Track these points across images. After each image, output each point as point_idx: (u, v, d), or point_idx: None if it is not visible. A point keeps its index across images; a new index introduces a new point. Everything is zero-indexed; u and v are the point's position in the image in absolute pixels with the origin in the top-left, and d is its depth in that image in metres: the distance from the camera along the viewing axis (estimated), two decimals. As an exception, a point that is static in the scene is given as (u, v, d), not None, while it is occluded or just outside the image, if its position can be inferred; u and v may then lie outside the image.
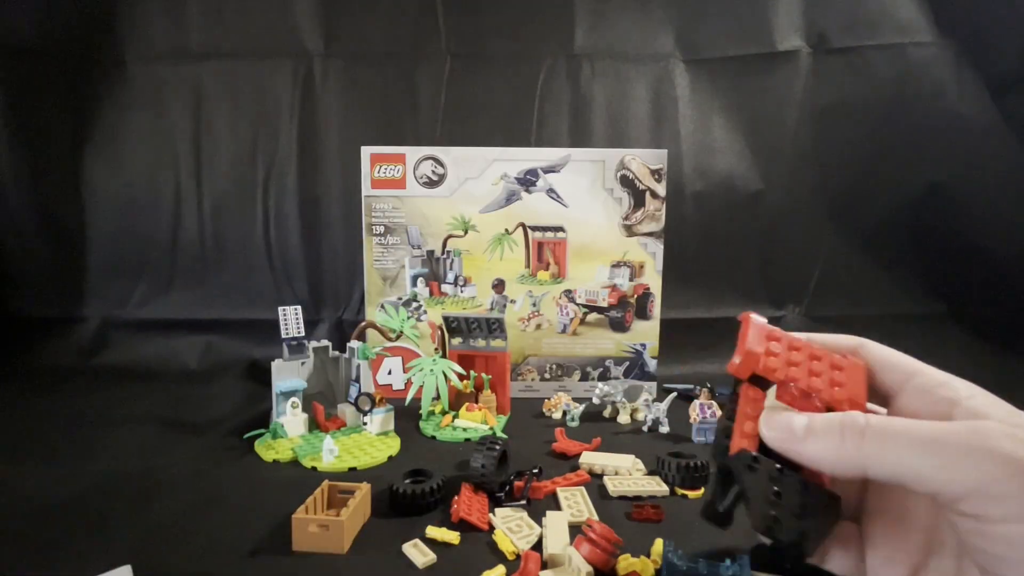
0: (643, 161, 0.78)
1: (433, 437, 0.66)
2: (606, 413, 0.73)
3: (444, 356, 0.73)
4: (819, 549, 0.30)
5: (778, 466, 0.29)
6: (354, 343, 0.68)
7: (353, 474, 0.56)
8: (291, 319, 0.67)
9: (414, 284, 0.80)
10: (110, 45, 0.94)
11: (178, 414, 0.72)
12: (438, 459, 0.58)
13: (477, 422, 0.68)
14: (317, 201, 0.98)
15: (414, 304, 0.79)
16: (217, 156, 0.97)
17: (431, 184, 0.78)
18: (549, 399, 0.76)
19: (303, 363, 0.67)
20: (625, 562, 0.39)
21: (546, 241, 0.79)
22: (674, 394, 0.71)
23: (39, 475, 0.54)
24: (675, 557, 0.37)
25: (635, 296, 0.80)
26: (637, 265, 0.79)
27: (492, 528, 0.44)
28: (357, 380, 0.67)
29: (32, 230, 0.95)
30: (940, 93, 0.94)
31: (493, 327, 0.72)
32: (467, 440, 0.65)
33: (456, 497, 0.47)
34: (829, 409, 0.30)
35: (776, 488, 0.28)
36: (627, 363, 0.82)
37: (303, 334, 0.68)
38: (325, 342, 0.70)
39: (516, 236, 0.79)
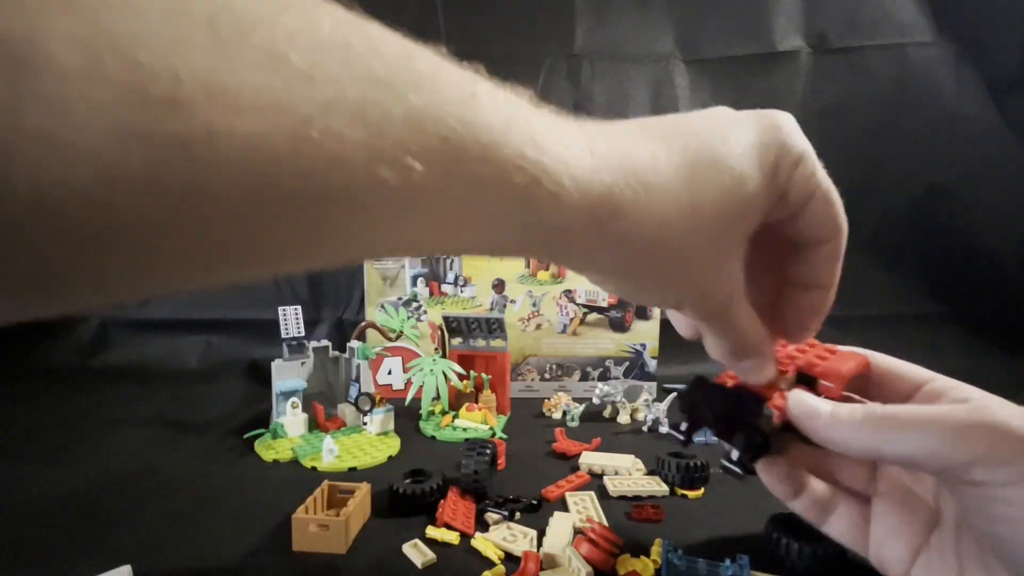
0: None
1: (433, 437, 0.66)
2: (606, 413, 0.73)
3: (444, 356, 0.73)
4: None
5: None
6: (354, 343, 0.68)
7: (353, 474, 0.56)
8: (291, 319, 0.67)
9: (414, 284, 0.80)
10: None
11: (178, 414, 0.72)
12: (438, 459, 0.58)
13: (477, 422, 0.68)
14: (317, 201, 0.97)
15: (414, 304, 0.79)
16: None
17: (431, 184, 0.78)
18: (549, 399, 0.76)
19: (303, 363, 0.67)
20: (625, 562, 0.39)
21: (546, 241, 0.79)
22: (674, 394, 0.71)
23: (39, 475, 0.54)
24: (675, 557, 0.37)
25: (635, 296, 0.80)
26: (637, 265, 0.79)
27: (474, 533, 0.44)
28: (357, 380, 0.67)
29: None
30: (940, 93, 0.94)
31: (493, 327, 0.72)
32: (467, 440, 0.65)
33: (442, 501, 0.47)
34: (802, 375, 0.32)
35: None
36: (627, 363, 0.82)
37: (303, 334, 0.68)
38: (325, 342, 0.70)
39: (516, 236, 0.79)
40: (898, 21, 0.94)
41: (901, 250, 0.99)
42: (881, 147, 0.97)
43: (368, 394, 0.65)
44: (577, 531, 0.43)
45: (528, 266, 0.80)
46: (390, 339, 0.73)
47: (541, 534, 0.43)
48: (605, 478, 0.53)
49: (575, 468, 0.56)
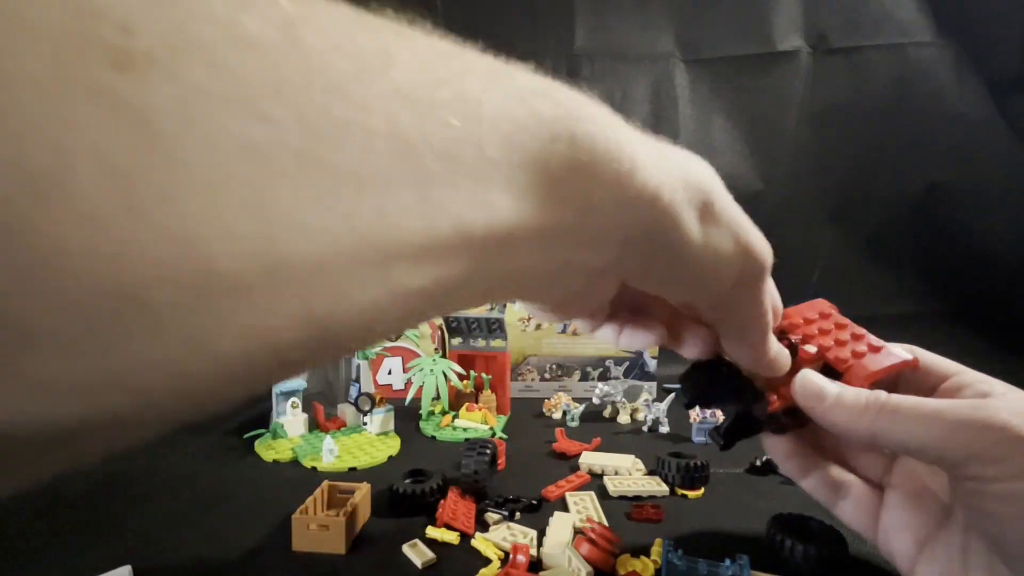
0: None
1: (433, 437, 0.66)
2: (606, 413, 0.73)
3: (444, 356, 0.73)
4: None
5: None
6: (354, 343, 0.68)
7: (353, 474, 0.56)
8: (291, 319, 0.67)
9: (414, 284, 0.80)
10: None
11: (178, 414, 0.72)
12: (438, 459, 0.58)
13: (477, 422, 0.68)
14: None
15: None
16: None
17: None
18: (549, 399, 0.76)
19: (303, 363, 0.67)
20: (625, 562, 0.39)
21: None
22: (674, 394, 0.71)
23: (39, 475, 0.54)
24: (675, 557, 0.37)
25: (635, 296, 0.80)
26: (637, 265, 0.79)
27: (474, 533, 0.44)
28: (357, 380, 0.67)
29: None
30: (940, 93, 0.94)
31: (493, 327, 0.72)
32: (467, 440, 0.65)
33: (442, 501, 0.47)
34: (825, 364, 0.32)
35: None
36: (627, 363, 0.82)
37: (303, 334, 0.67)
38: (325, 342, 0.70)
39: (516, 236, 0.79)
40: (898, 21, 0.94)
41: (901, 250, 0.99)
42: (881, 147, 0.97)
43: (368, 394, 0.65)
44: (577, 531, 0.43)
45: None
46: (390, 339, 0.73)
47: (541, 534, 0.43)
48: (605, 478, 0.53)
49: (575, 468, 0.56)
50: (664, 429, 0.68)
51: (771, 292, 0.28)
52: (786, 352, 0.30)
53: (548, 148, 0.16)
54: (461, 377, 0.71)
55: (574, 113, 0.17)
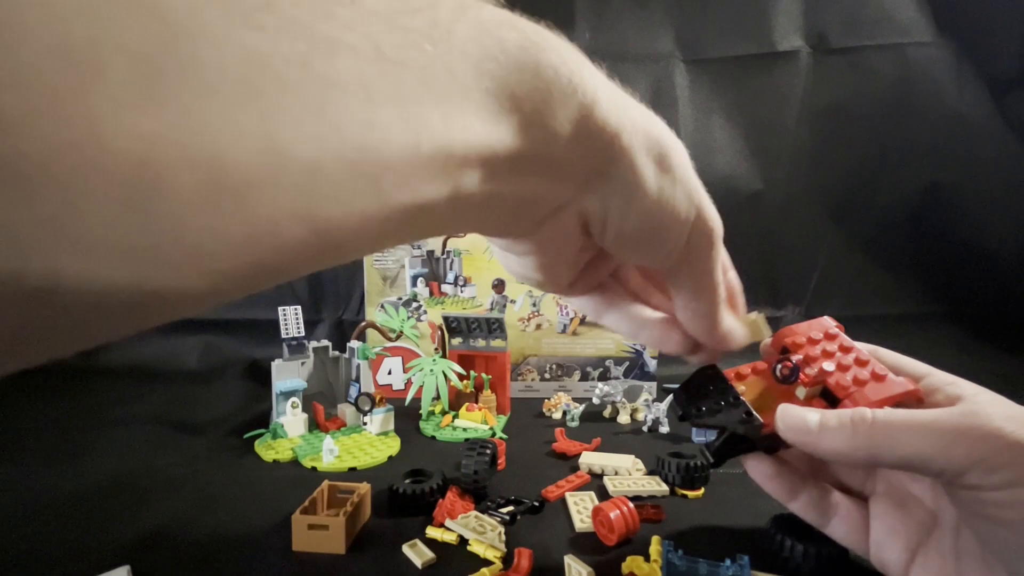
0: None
1: (433, 437, 0.66)
2: (606, 413, 0.73)
3: (444, 356, 0.73)
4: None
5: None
6: (354, 343, 0.68)
7: (353, 474, 0.56)
8: (291, 319, 0.67)
9: (414, 284, 0.80)
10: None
11: (178, 414, 0.72)
12: (438, 459, 0.58)
13: (477, 422, 0.68)
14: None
15: (414, 304, 0.79)
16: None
17: (431, 184, 0.78)
18: (549, 399, 0.76)
19: (303, 363, 0.67)
20: (625, 562, 0.39)
21: (546, 241, 0.79)
22: (673, 395, 0.70)
23: (39, 475, 0.54)
24: (675, 557, 0.37)
25: (635, 296, 0.80)
26: (637, 265, 0.79)
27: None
28: (357, 380, 0.67)
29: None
30: (940, 93, 0.94)
31: (493, 327, 0.72)
32: (467, 440, 0.65)
33: (441, 500, 0.47)
34: (826, 391, 0.32)
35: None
36: (627, 363, 0.82)
37: (303, 334, 0.68)
38: (325, 342, 0.70)
39: (516, 236, 0.79)
40: (898, 21, 0.94)
41: (901, 250, 0.99)
42: (881, 147, 0.97)
43: (368, 394, 0.65)
44: (584, 534, 0.44)
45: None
46: (390, 339, 0.73)
47: (509, 526, 0.44)
48: (605, 478, 0.53)
49: (575, 468, 0.56)
50: (664, 429, 0.68)
51: (724, 262, 0.28)
52: (740, 328, 0.29)
53: (514, 77, 0.17)
54: (461, 377, 0.71)
55: (540, 44, 0.18)
